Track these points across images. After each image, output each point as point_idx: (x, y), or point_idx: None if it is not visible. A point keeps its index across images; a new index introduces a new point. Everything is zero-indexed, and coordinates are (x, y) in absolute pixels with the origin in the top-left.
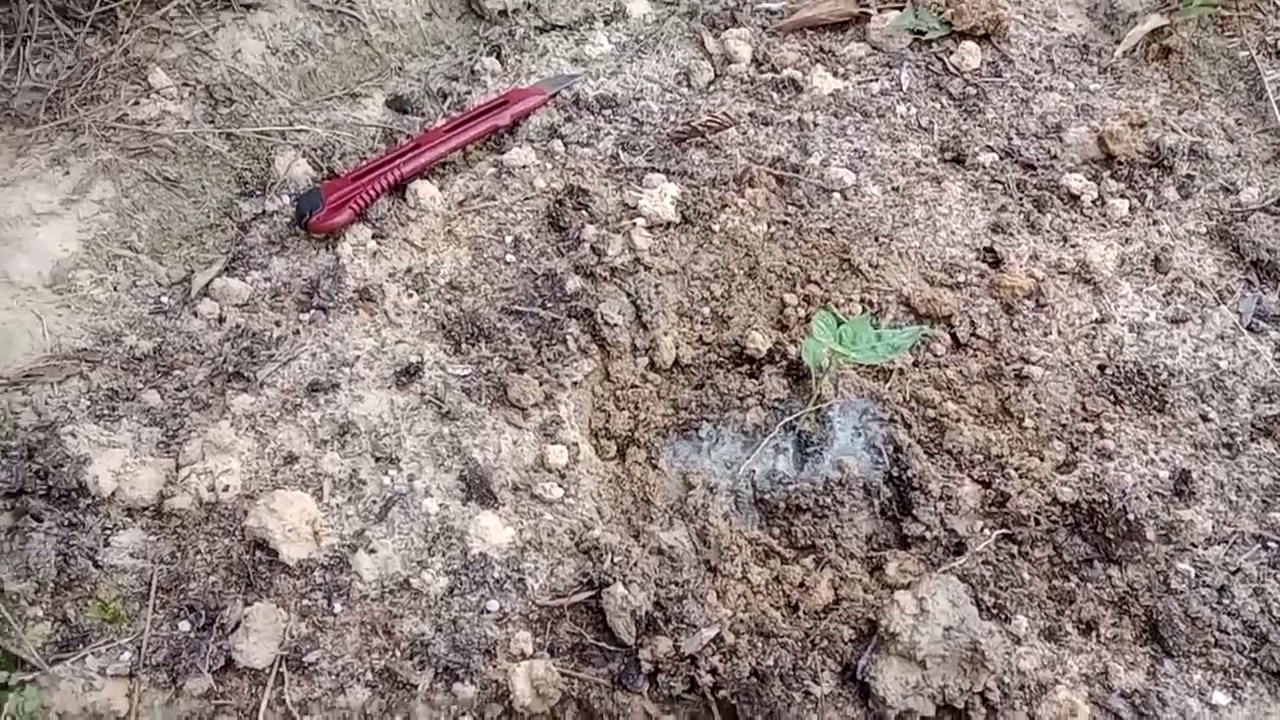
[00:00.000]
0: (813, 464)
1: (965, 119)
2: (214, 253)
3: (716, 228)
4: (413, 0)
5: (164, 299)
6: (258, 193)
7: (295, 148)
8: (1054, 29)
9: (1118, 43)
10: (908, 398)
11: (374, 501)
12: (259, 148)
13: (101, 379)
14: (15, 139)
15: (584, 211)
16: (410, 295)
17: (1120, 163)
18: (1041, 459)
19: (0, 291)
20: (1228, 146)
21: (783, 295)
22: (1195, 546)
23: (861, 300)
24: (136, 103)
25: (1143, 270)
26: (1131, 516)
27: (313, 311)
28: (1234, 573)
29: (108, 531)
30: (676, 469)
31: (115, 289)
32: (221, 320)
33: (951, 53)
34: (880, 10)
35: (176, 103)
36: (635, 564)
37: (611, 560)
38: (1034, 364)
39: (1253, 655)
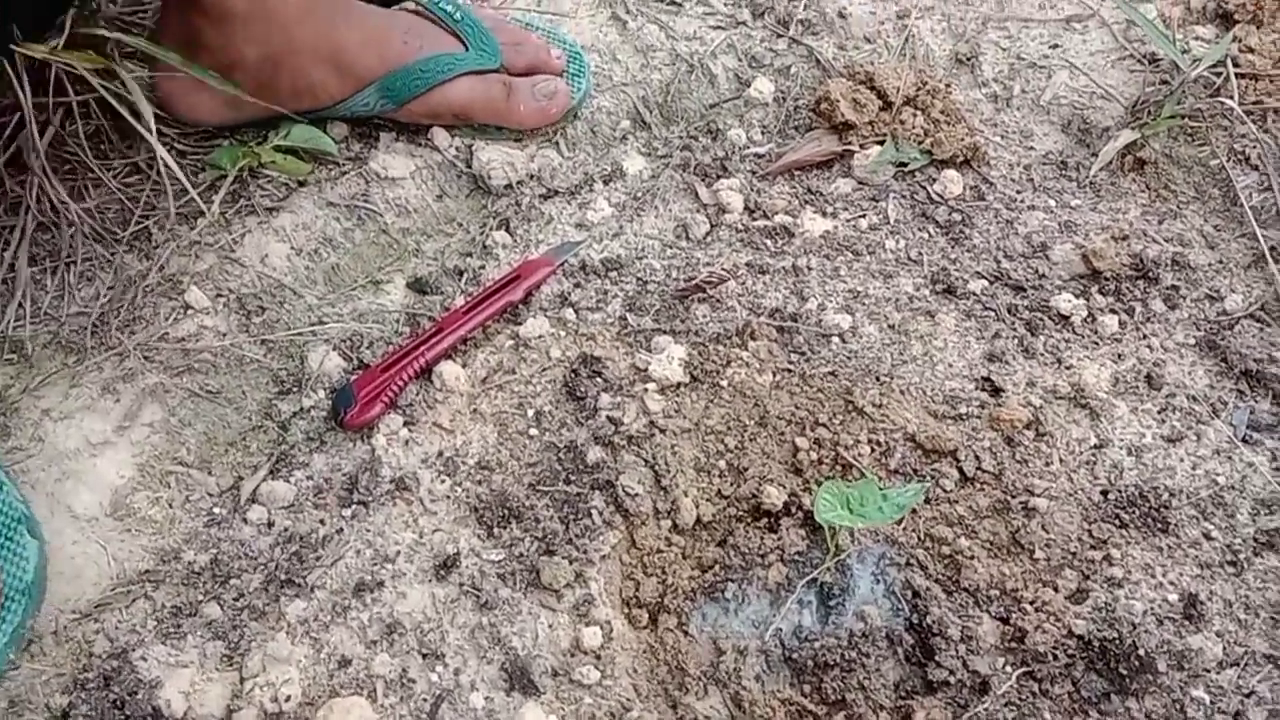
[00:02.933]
0: (836, 616)
1: (953, 247)
2: (258, 455)
3: (724, 382)
4: (424, 185)
5: (216, 509)
6: (294, 390)
7: (325, 342)
8: (1031, 148)
9: (1094, 156)
10: (922, 537)
11: (424, 699)
12: (292, 347)
13: (165, 597)
14: (68, 370)
15: (598, 379)
16: (442, 480)
17: (1106, 278)
18: (1055, 589)
19: (67, 527)
20: (1209, 254)
21: (794, 439)
22: (1208, 671)
23: (870, 440)
24: (175, 320)
25: (1136, 388)
26: (1143, 651)
27: (354, 507)
28: (1247, 696)
29: None
30: (706, 634)
31: (170, 506)
32: (270, 525)
33: (934, 180)
34: (863, 146)
35: (212, 315)
36: None
37: None
38: (1039, 495)
39: None
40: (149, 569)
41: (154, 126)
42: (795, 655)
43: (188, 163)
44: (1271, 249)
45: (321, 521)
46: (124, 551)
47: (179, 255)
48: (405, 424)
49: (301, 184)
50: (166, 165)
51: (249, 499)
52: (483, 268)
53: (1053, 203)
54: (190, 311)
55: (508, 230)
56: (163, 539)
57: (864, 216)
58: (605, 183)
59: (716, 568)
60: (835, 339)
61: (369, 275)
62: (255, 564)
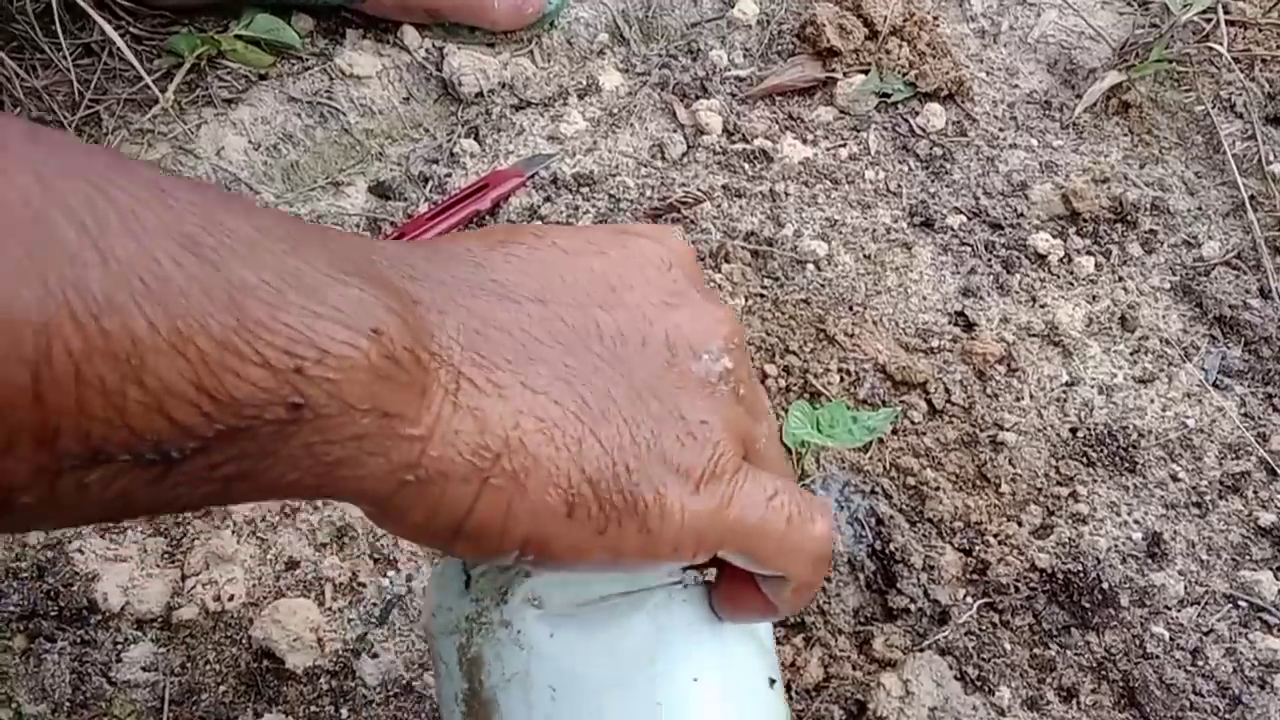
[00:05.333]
0: None
1: (932, 181)
2: None
3: None
4: (391, 86)
5: None
6: None
7: None
8: (1016, 86)
9: (1079, 98)
10: (888, 467)
11: (374, 604)
12: None
13: None
14: None
15: None
16: None
17: (1085, 219)
18: (1019, 524)
19: None
20: (1189, 200)
21: (763, 366)
22: (1169, 609)
23: (839, 370)
24: None
25: (1110, 329)
26: (1105, 586)
27: None
28: (1206, 634)
29: (119, 647)
30: None
31: None
32: None
33: (917, 114)
34: (846, 75)
35: None
36: None
37: None
38: (1008, 430)
39: (1226, 717)
40: None
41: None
42: None
43: (144, 48)
44: (1251, 198)
45: None
46: None
47: (130, 143)
48: None
49: (262, 77)
50: (117, 46)
51: None
52: (449, 176)
53: (1035, 142)
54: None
55: (477, 139)
56: None
57: (844, 146)
58: (580, 97)
59: None
60: (810, 266)
61: (329, 176)
62: None
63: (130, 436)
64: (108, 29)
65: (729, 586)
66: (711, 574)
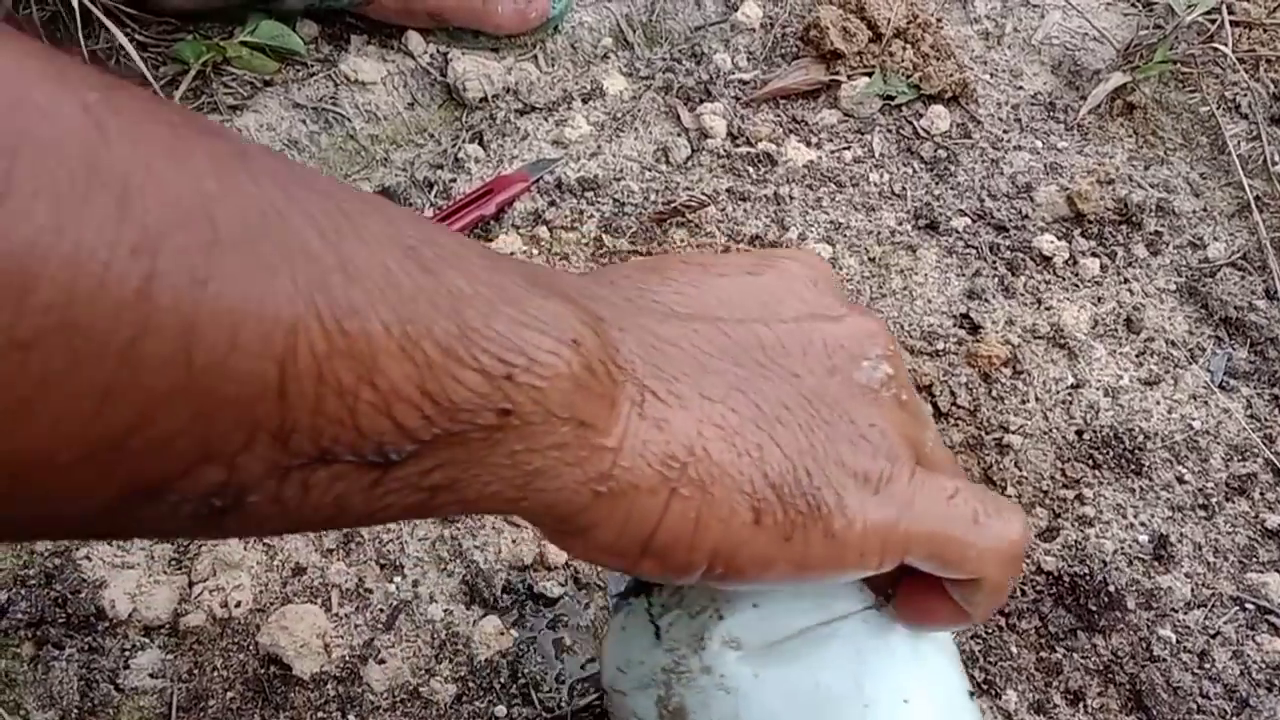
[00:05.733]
0: None
1: (937, 183)
2: None
3: None
4: (395, 92)
5: None
6: None
7: None
8: (1020, 87)
9: (1083, 99)
10: None
11: (381, 610)
12: None
13: None
14: None
15: None
16: None
17: (1090, 221)
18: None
19: None
20: (1194, 201)
21: None
22: (1175, 611)
23: None
24: None
25: (1115, 331)
26: (1112, 589)
27: None
28: (1213, 636)
29: (127, 654)
30: None
31: None
32: None
33: (921, 116)
34: (850, 77)
35: None
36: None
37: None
38: (1013, 432)
39: None
40: None
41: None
42: None
43: (149, 55)
44: (1257, 198)
45: None
46: None
47: None
48: None
49: (267, 84)
50: (126, 53)
51: None
52: (454, 181)
53: (1039, 144)
54: None
55: (481, 144)
56: None
57: (849, 148)
58: (584, 101)
59: None
60: None
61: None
62: None
63: (357, 437)
64: (119, 36)
65: (916, 596)
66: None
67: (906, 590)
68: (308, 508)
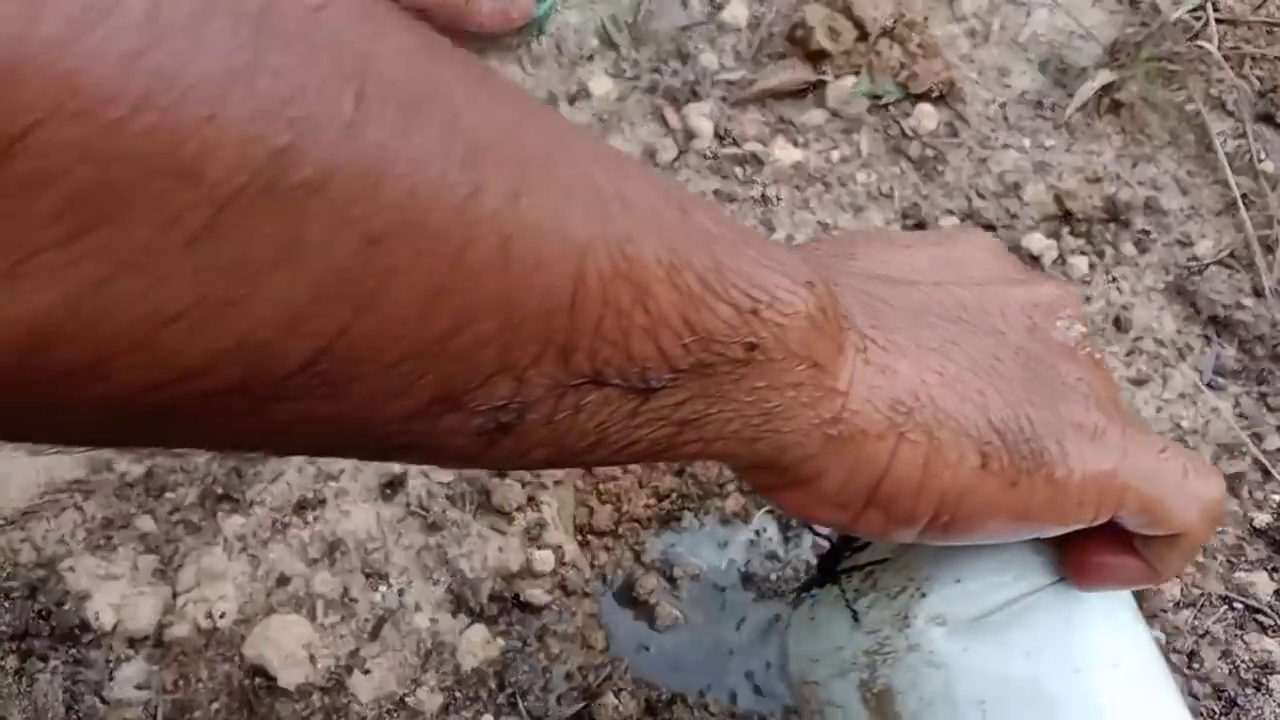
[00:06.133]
0: (794, 548)
1: (925, 182)
2: None
3: None
4: None
5: None
6: None
7: None
8: (1008, 85)
9: (1070, 97)
10: None
11: (366, 620)
12: None
13: (96, 508)
14: None
15: None
16: None
17: (1078, 219)
18: None
19: None
20: (1181, 199)
21: None
22: (1164, 612)
23: None
24: None
25: (1104, 330)
26: None
27: None
28: (1202, 636)
29: (111, 665)
30: (660, 561)
31: None
32: None
33: (908, 115)
34: (836, 77)
35: None
36: (626, 671)
37: (602, 671)
38: None
39: (1222, 719)
40: (79, 478)
41: None
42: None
43: None
44: (1243, 196)
45: None
46: (53, 459)
47: None
48: None
49: None
50: None
51: None
52: None
53: (1027, 142)
54: None
55: None
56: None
57: (836, 148)
58: (570, 102)
59: (673, 496)
60: None
61: None
62: (191, 477)
63: (627, 361)
64: None
65: (1098, 557)
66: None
67: (1083, 552)
68: (573, 433)
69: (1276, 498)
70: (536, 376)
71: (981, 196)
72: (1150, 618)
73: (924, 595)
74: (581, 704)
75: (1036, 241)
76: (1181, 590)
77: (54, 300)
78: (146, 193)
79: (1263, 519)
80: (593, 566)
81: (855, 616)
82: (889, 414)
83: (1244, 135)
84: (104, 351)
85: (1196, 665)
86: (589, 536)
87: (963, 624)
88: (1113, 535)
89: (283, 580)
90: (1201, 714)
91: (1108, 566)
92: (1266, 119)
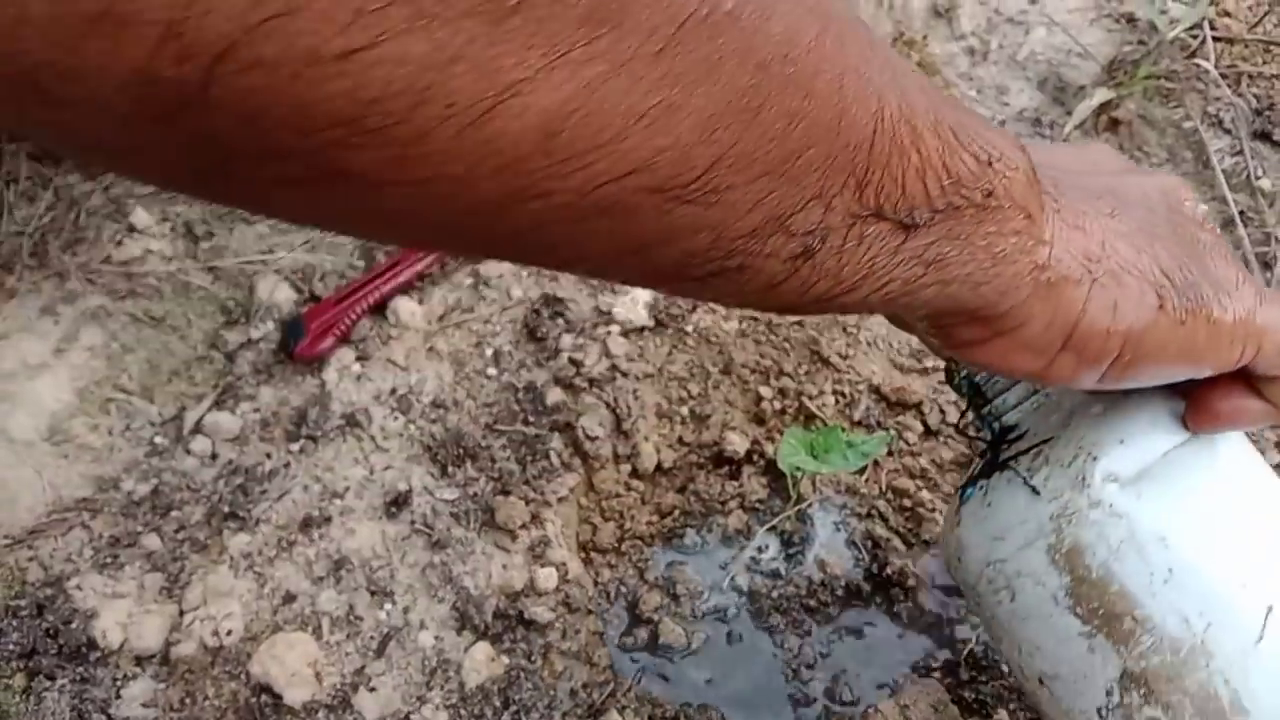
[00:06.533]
0: (796, 565)
1: None
2: (203, 385)
3: (689, 328)
4: None
5: (157, 439)
6: (242, 320)
7: (276, 272)
8: (1006, 103)
9: (1068, 114)
10: (884, 489)
11: (371, 637)
12: (241, 275)
13: (103, 527)
14: (5, 289)
15: (560, 320)
16: (395, 417)
17: None
18: None
19: (0, 449)
20: None
21: (758, 388)
22: None
23: (834, 391)
24: (119, 242)
25: None
26: None
27: (302, 441)
28: None
29: (118, 684)
30: (663, 579)
31: (110, 433)
32: (214, 457)
33: None
34: None
35: (158, 239)
36: (629, 689)
37: (610, 691)
38: None
39: None
40: (86, 497)
41: None
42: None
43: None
44: (1241, 213)
45: (268, 455)
46: (61, 478)
47: (124, 176)
48: (358, 359)
49: None
50: None
51: (192, 429)
52: None
53: None
54: (135, 234)
55: None
56: (101, 467)
57: None
58: None
59: (676, 513)
60: None
61: None
62: (197, 496)
63: (901, 197)
64: None
65: (1233, 399)
66: None
67: (1213, 399)
68: (850, 266)
69: None
70: (839, 204)
71: None
72: None
73: (1095, 459)
74: None
75: None
76: None
77: (573, 92)
78: (636, 7)
79: None
80: (596, 584)
81: (1034, 490)
82: (1083, 262)
83: (1241, 152)
84: (593, 141)
85: None
86: (592, 554)
87: (1131, 477)
88: (1237, 383)
89: (288, 598)
90: None
91: (1238, 409)
92: (1263, 136)
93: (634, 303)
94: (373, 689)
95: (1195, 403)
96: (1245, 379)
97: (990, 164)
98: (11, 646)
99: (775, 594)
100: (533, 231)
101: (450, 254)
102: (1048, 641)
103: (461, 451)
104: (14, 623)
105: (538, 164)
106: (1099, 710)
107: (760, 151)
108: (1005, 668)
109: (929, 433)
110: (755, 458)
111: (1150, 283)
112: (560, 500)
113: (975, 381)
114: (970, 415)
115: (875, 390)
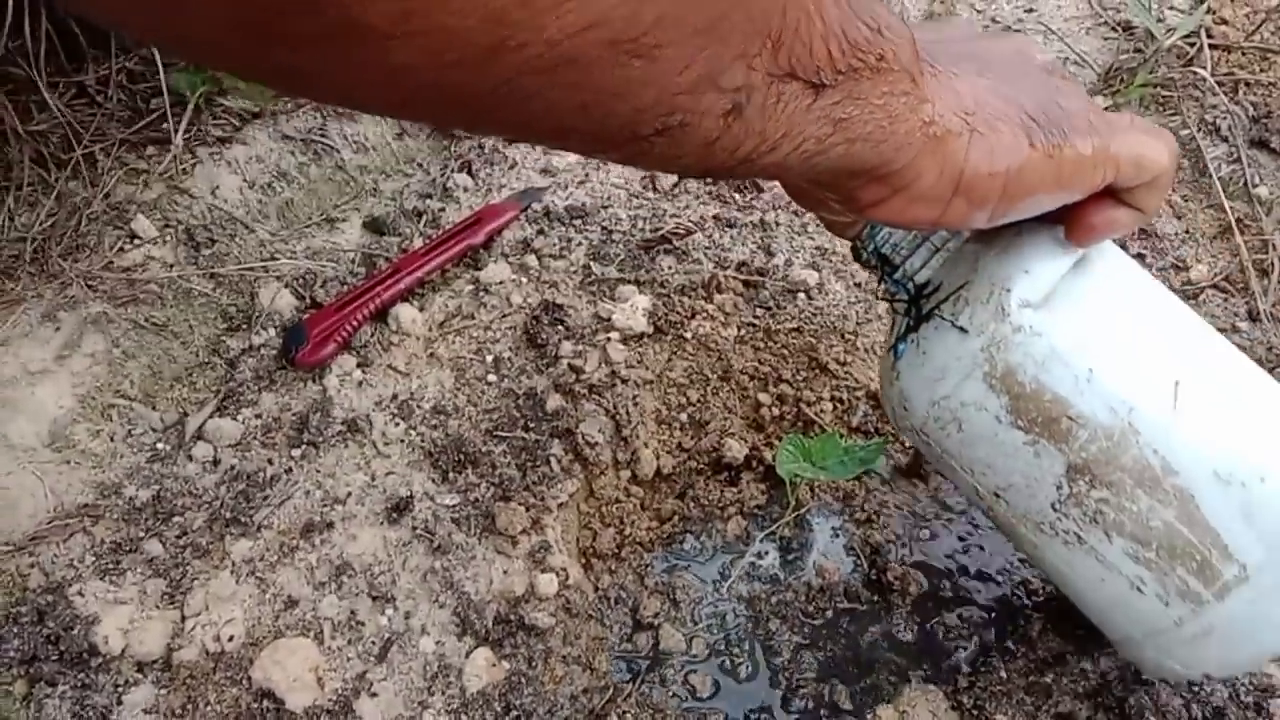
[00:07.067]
0: (794, 570)
1: None
2: (205, 392)
3: (688, 335)
4: (384, 123)
5: (159, 445)
6: (243, 327)
7: (277, 279)
8: None
9: None
10: (882, 495)
11: (373, 642)
12: (242, 282)
13: (104, 533)
14: (7, 295)
15: (560, 326)
16: (397, 424)
17: None
18: (1014, 550)
19: (1, 456)
20: (1175, 224)
21: (757, 395)
22: None
23: (832, 398)
24: (120, 249)
25: None
26: None
27: (304, 447)
28: None
29: (120, 690)
30: (663, 585)
31: (112, 439)
32: (216, 463)
33: None
34: None
35: (159, 246)
36: (629, 695)
37: (607, 696)
38: None
39: None
40: (88, 503)
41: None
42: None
43: (140, 88)
44: (1238, 220)
45: (269, 461)
46: (62, 484)
47: (125, 183)
48: (359, 365)
49: (256, 115)
50: (120, 88)
51: (194, 435)
52: (443, 210)
53: None
54: (136, 241)
55: (469, 173)
56: (103, 473)
57: None
58: None
59: (675, 519)
60: (801, 295)
61: (324, 213)
62: (199, 502)
63: (809, 59)
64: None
65: (1103, 212)
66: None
67: (1086, 216)
68: (773, 122)
69: None
70: (759, 64)
71: None
72: None
73: (1008, 290)
74: None
75: None
76: None
77: None
78: None
79: None
80: (596, 589)
81: (962, 329)
82: (962, 117)
83: (1238, 160)
84: None
85: (1196, 688)
86: (592, 560)
87: (1041, 300)
88: (1104, 199)
89: (290, 603)
90: None
91: (1109, 219)
92: (1260, 144)
93: (634, 310)
94: (374, 694)
95: (1073, 222)
96: (1110, 194)
97: (880, 32)
98: (12, 653)
99: (774, 599)
100: (511, 83)
101: (443, 122)
102: (998, 458)
103: (462, 457)
104: (15, 629)
105: (518, 16)
106: (1053, 505)
107: (693, 13)
108: (1004, 673)
109: None
110: (754, 464)
111: (1020, 127)
112: (560, 506)
113: (882, 252)
114: (885, 284)
115: (873, 397)
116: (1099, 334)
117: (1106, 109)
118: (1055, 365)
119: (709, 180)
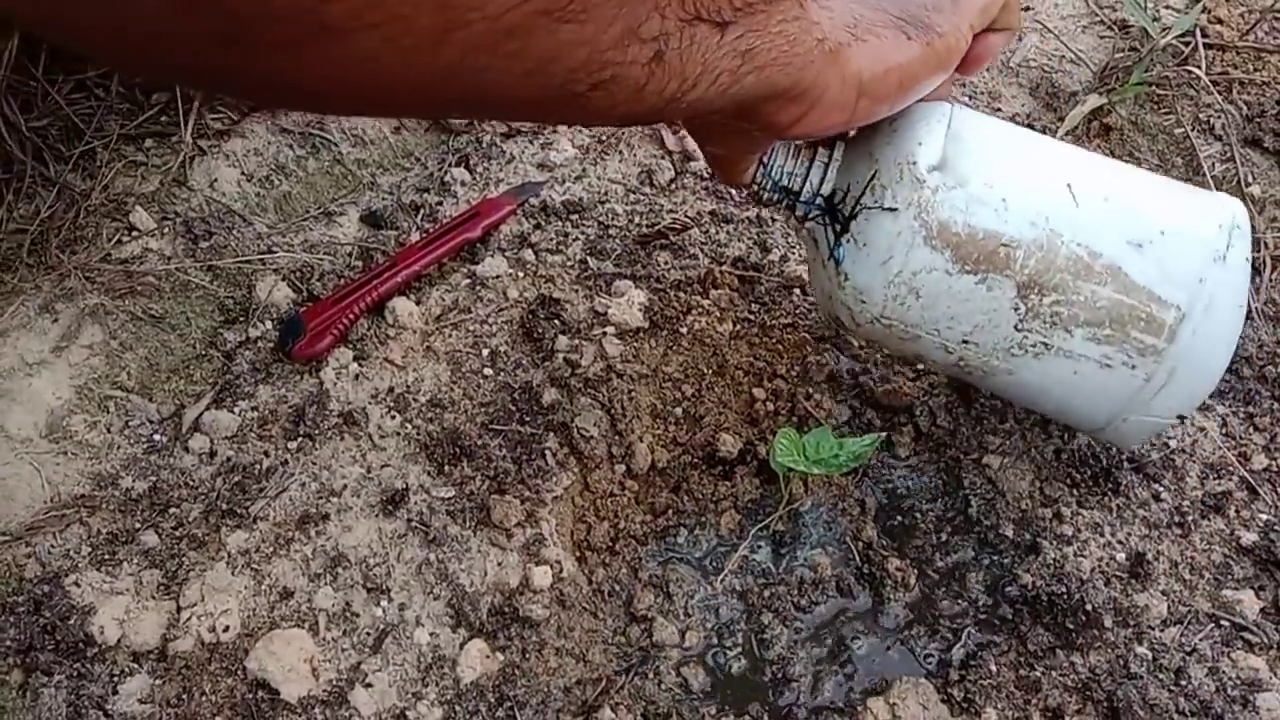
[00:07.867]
0: (787, 564)
1: None
2: (202, 384)
3: (684, 330)
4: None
5: (156, 436)
6: (240, 319)
7: (274, 271)
8: (999, 109)
9: (1060, 120)
10: (875, 490)
11: (368, 633)
12: (239, 275)
13: (100, 524)
14: (4, 287)
15: (556, 320)
16: (392, 416)
17: None
18: (1004, 546)
19: None
20: None
21: (751, 389)
22: (1152, 629)
23: (826, 393)
24: (119, 241)
25: None
26: (1089, 607)
27: (300, 439)
28: (1189, 653)
29: (115, 680)
30: (657, 578)
31: (109, 431)
32: (212, 454)
33: None
34: None
35: (157, 239)
36: (623, 687)
37: (601, 687)
38: (993, 452)
39: None
40: (85, 494)
41: None
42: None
43: (139, 81)
44: None
45: (266, 453)
46: (59, 475)
47: (124, 176)
48: (355, 358)
49: (254, 109)
50: (120, 82)
51: (191, 427)
52: (440, 204)
53: None
54: (134, 234)
55: (467, 167)
56: (100, 464)
57: None
58: (570, 125)
59: (669, 513)
60: (796, 291)
61: (321, 206)
62: (196, 493)
63: (710, 2)
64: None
65: (980, 45)
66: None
67: (971, 55)
68: (690, 63)
69: (1263, 517)
70: (670, 13)
71: None
72: (1137, 634)
73: (914, 162)
74: (580, 718)
75: None
76: (1169, 607)
77: None
78: None
79: (1249, 538)
80: (590, 582)
81: (892, 209)
82: (847, 29)
83: (1231, 159)
84: None
85: (1184, 682)
86: (587, 552)
87: (940, 161)
88: (976, 36)
89: (285, 595)
90: None
91: (988, 46)
92: (1254, 143)
93: (629, 304)
94: (369, 685)
95: (961, 63)
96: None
97: None
98: (9, 642)
99: (767, 593)
100: (462, 60)
101: (406, 110)
102: (958, 306)
103: (458, 450)
104: (11, 619)
105: None
106: (1016, 326)
107: None
108: (993, 667)
109: (919, 434)
110: (748, 458)
111: (896, 28)
112: (555, 499)
113: (781, 184)
114: (797, 210)
115: (868, 391)
116: (997, 170)
117: (1102, 108)
118: (976, 207)
119: (705, 177)
